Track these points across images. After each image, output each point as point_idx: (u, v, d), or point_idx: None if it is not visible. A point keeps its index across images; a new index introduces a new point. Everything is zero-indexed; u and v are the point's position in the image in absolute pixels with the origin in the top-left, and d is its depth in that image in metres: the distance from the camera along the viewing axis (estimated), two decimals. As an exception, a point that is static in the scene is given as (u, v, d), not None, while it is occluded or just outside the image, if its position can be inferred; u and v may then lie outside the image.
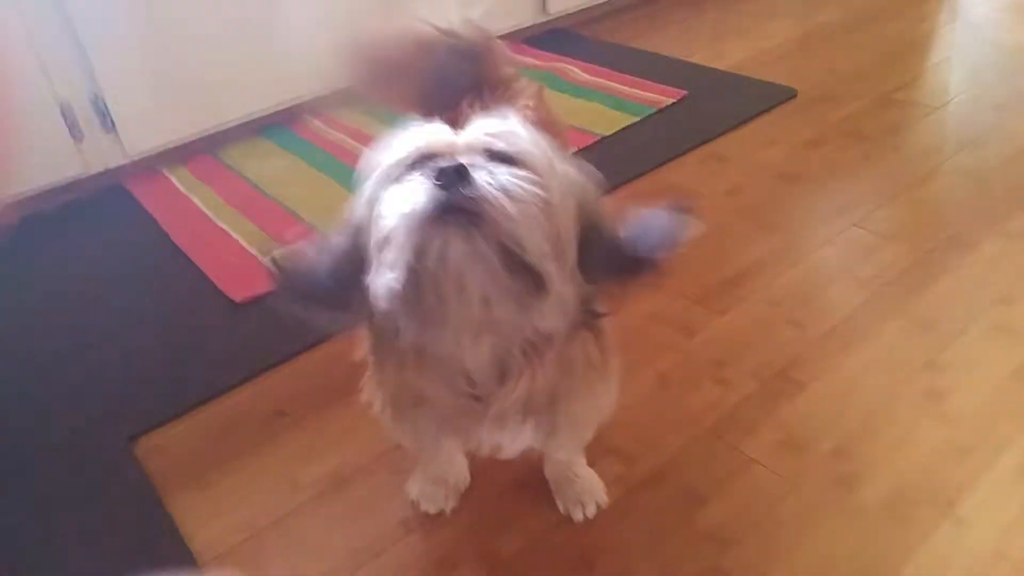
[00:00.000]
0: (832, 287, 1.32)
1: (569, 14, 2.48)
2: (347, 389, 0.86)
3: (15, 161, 1.47)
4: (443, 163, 0.56)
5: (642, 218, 0.66)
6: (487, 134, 0.62)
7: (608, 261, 0.65)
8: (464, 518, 0.99)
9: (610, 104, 1.97)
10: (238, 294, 1.40)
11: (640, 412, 1.10)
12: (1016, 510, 0.93)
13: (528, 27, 2.39)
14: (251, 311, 1.37)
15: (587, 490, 0.98)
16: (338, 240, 0.66)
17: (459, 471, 1.00)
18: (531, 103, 0.89)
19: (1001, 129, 1.74)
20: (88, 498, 1.05)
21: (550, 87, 2.00)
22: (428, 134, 0.63)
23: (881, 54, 2.14)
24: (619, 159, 1.74)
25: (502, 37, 1.05)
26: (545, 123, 0.82)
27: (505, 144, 0.61)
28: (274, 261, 0.66)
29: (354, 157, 1.99)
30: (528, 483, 1.01)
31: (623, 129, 1.85)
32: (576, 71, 2.15)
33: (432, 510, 0.99)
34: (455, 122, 0.65)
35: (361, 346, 0.78)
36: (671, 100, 1.96)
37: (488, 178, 0.56)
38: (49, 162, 1.68)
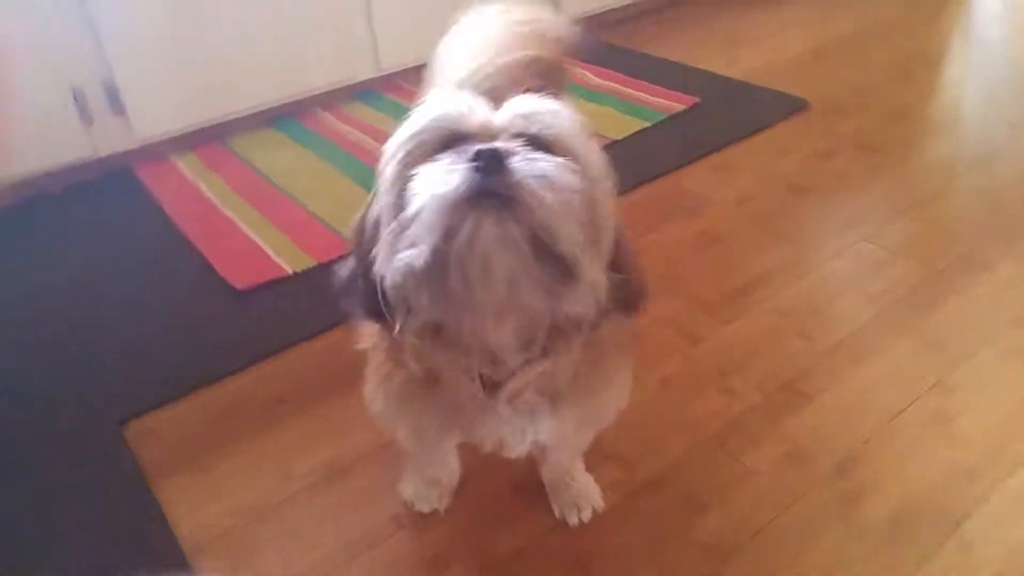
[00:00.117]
0: (841, 300, 1.31)
1: (584, 18, 2.47)
2: (348, 379, 0.85)
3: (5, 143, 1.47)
4: (479, 146, 0.55)
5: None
6: (525, 115, 0.60)
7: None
8: (458, 517, 0.98)
9: (622, 109, 1.96)
10: (241, 282, 1.39)
11: (642, 416, 1.08)
12: (1023, 534, 0.91)
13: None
14: (253, 299, 1.36)
15: (583, 494, 0.97)
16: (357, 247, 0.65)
17: (452, 471, 0.98)
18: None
19: (1015, 147, 1.73)
20: (80, 483, 1.04)
21: (562, 89, 1.99)
22: (461, 109, 0.60)
23: (895, 69, 2.13)
24: (629, 163, 1.73)
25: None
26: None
27: (543, 127, 0.59)
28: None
29: (364, 152, 1.97)
30: (524, 485, 1.00)
31: (634, 134, 1.85)
32: (588, 75, 2.14)
33: (426, 510, 0.98)
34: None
35: (365, 336, 0.77)
36: (683, 107, 1.95)
37: (525, 165, 0.54)
38: (57, 143, 1.68)
